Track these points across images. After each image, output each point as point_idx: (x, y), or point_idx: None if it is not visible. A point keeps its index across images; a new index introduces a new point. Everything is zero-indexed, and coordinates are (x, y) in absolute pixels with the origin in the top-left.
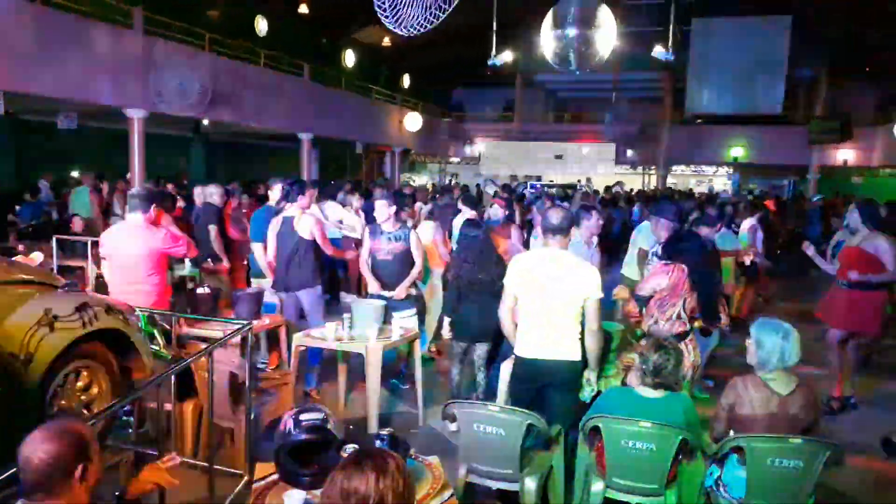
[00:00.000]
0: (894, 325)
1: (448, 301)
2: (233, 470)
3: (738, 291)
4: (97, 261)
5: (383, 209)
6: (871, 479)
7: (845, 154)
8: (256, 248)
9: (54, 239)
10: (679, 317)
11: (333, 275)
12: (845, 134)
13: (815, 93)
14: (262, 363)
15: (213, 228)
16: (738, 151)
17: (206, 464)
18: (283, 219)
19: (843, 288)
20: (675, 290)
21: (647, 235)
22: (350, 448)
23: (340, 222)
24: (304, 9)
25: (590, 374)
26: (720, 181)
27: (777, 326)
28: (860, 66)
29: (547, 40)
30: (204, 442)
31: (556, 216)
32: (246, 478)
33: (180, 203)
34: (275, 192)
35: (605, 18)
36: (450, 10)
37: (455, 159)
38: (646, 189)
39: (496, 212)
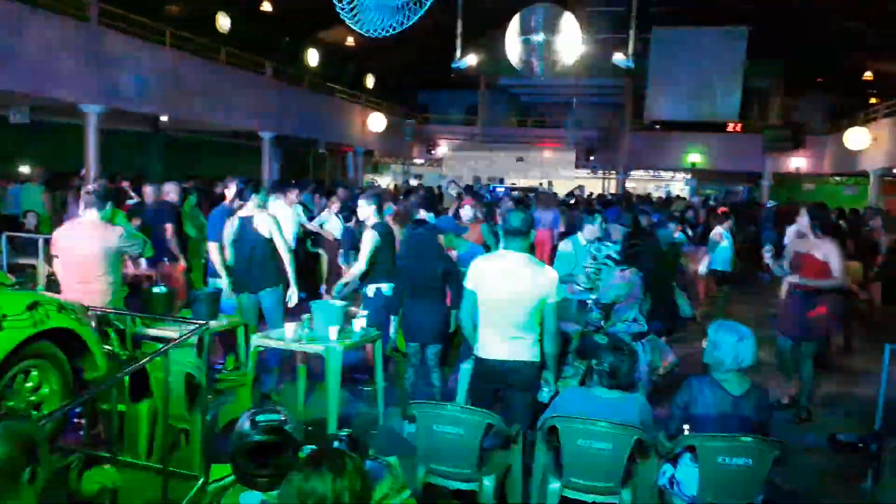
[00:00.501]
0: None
1: (397, 303)
2: (188, 472)
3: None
4: (49, 259)
5: (365, 209)
6: (819, 476)
7: (798, 162)
8: (212, 247)
9: (4, 236)
10: (636, 319)
11: (307, 271)
12: (798, 142)
13: (769, 102)
14: (220, 364)
15: (169, 227)
16: (695, 157)
17: (159, 466)
18: (240, 219)
19: (795, 294)
20: (631, 294)
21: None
22: (308, 449)
23: (321, 225)
24: (267, 6)
25: (548, 375)
26: (677, 186)
27: (734, 329)
28: (812, 77)
29: (512, 46)
30: (159, 444)
31: (515, 219)
32: (201, 480)
33: (132, 199)
34: (231, 192)
35: (569, 25)
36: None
37: (419, 161)
38: (605, 193)
39: (467, 212)
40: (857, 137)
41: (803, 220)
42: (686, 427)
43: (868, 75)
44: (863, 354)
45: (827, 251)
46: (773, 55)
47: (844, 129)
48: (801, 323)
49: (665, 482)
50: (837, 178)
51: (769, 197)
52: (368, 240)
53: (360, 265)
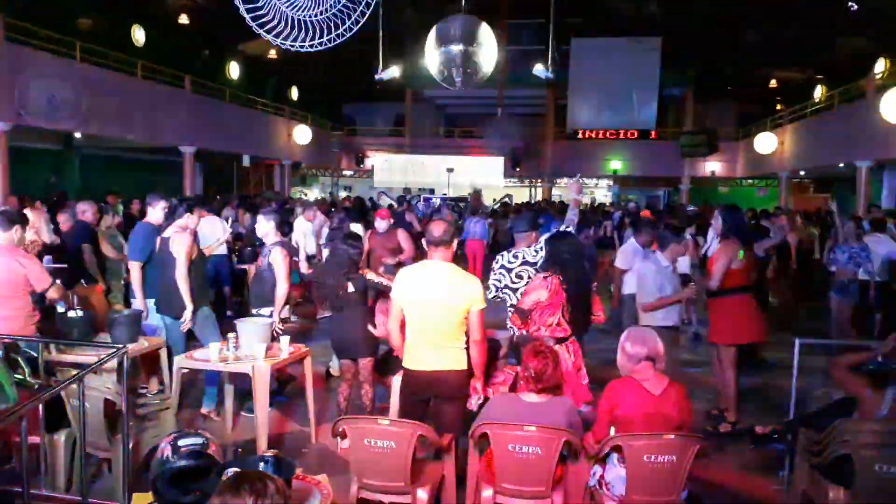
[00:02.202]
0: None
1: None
2: (110, 503)
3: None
4: None
5: (264, 225)
6: (739, 468)
7: (713, 166)
8: (134, 266)
9: None
10: (559, 323)
11: (218, 292)
12: (712, 147)
13: (683, 110)
14: (143, 388)
15: (86, 247)
16: (616, 164)
17: (79, 497)
18: (162, 239)
19: (712, 298)
20: (555, 299)
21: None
22: (231, 472)
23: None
24: (184, 19)
25: (475, 383)
26: (601, 193)
27: (643, 334)
28: (722, 86)
29: (431, 57)
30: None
31: (438, 229)
32: None
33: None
34: (156, 211)
35: (486, 36)
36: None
37: (348, 172)
38: (532, 201)
39: (380, 224)
40: (765, 142)
41: (717, 222)
42: (612, 429)
43: (774, 83)
44: (779, 348)
45: (718, 253)
46: (684, 65)
47: (754, 134)
48: (735, 329)
49: (595, 483)
50: (750, 181)
51: (689, 200)
52: (281, 260)
53: (282, 287)
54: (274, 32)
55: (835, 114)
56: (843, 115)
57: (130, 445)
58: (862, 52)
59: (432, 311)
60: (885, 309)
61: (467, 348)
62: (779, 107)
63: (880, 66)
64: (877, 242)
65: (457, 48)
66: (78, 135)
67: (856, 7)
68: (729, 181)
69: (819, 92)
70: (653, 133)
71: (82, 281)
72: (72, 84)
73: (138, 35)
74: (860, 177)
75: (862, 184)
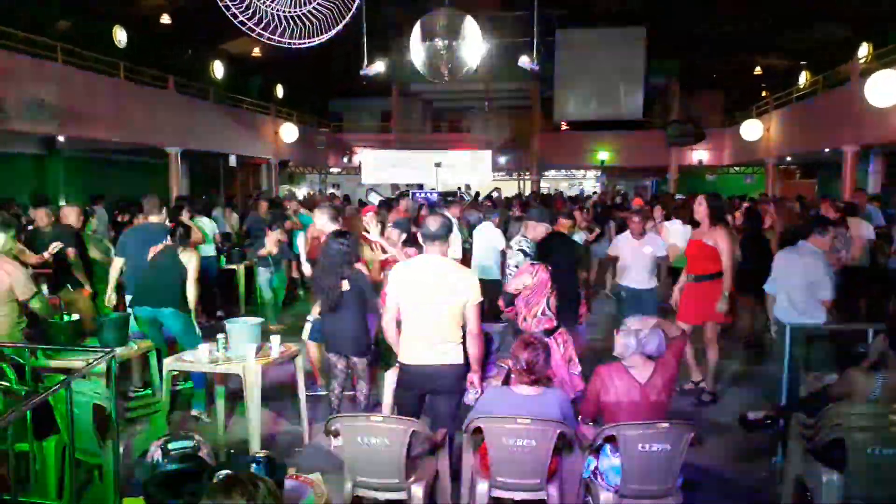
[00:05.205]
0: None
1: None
2: None
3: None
4: None
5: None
6: (733, 455)
7: (700, 155)
8: (117, 262)
9: None
10: (544, 313)
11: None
12: (699, 136)
13: (670, 99)
14: (134, 391)
15: (71, 251)
16: (604, 155)
17: None
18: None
19: (690, 281)
20: (539, 288)
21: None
22: (222, 474)
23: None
24: (166, 19)
25: (472, 377)
26: (589, 184)
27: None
28: (707, 74)
29: (416, 51)
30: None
31: (434, 223)
32: None
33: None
34: (156, 213)
35: (471, 30)
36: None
37: (336, 169)
38: (522, 194)
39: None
40: (751, 129)
41: (700, 208)
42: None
43: (758, 70)
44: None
45: (717, 238)
46: (669, 55)
47: (740, 122)
48: (699, 310)
49: (589, 474)
50: (737, 169)
51: (676, 189)
52: None
53: None
54: (260, 27)
55: (819, 99)
56: (827, 101)
57: (121, 450)
58: (845, 37)
59: (429, 306)
60: (863, 292)
61: (463, 342)
62: (764, 94)
63: (864, 50)
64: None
65: (442, 42)
66: (61, 138)
67: None
68: (716, 169)
69: (803, 78)
70: (640, 123)
71: (68, 286)
72: (53, 87)
73: (120, 36)
74: (845, 161)
75: (847, 168)
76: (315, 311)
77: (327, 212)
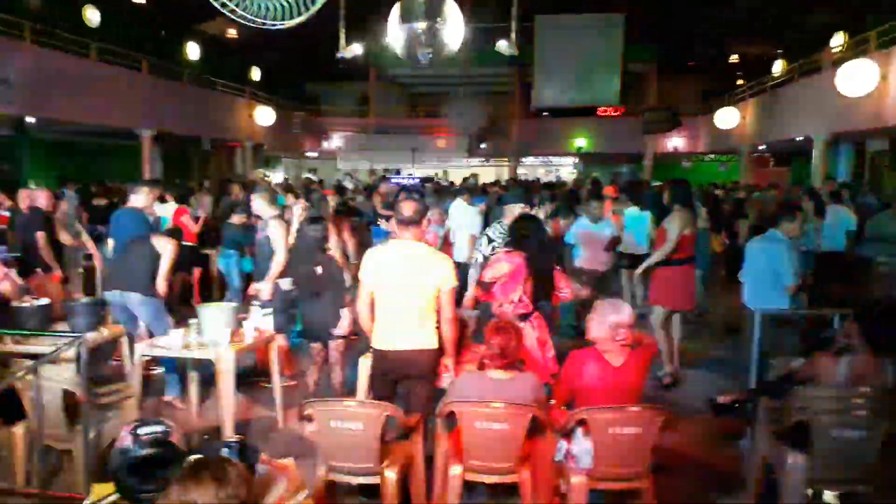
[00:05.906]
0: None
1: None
2: (72, 494)
3: None
4: None
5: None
6: (703, 439)
7: (675, 142)
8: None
9: None
10: (521, 300)
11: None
12: (674, 123)
13: (646, 86)
14: (116, 360)
15: (40, 235)
16: (581, 142)
17: (38, 490)
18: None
19: (658, 267)
20: (515, 275)
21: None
22: (192, 459)
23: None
24: None
25: (447, 361)
26: (566, 170)
27: (612, 303)
28: (684, 61)
29: (394, 33)
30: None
31: (408, 208)
32: (86, 501)
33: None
34: (140, 197)
35: (452, 11)
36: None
37: (312, 154)
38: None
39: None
40: (726, 117)
41: (668, 194)
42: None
43: (735, 58)
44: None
45: (669, 221)
46: (646, 41)
47: (715, 109)
48: (668, 295)
49: (561, 458)
50: (712, 156)
51: (652, 175)
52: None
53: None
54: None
55: (793, 88)
56: (800, 90)
57: (91, 436)
58: (821, 26)
59: (403, 291)
60: (836, 278)
61: (438, 327)
62: (740, 82)
63: (838, 39)
64: (835, 213)
65: (421, 24)
66: (30, 119)
67: None
68: (691, 156)
69: (779, 66)
70: (616, 109)
71: (38, 270)
72: (20, 67)
73: (91, 15)
74: (817, 150)
75: (818, 157)
76: (264, 295)
77: (264, 195)
